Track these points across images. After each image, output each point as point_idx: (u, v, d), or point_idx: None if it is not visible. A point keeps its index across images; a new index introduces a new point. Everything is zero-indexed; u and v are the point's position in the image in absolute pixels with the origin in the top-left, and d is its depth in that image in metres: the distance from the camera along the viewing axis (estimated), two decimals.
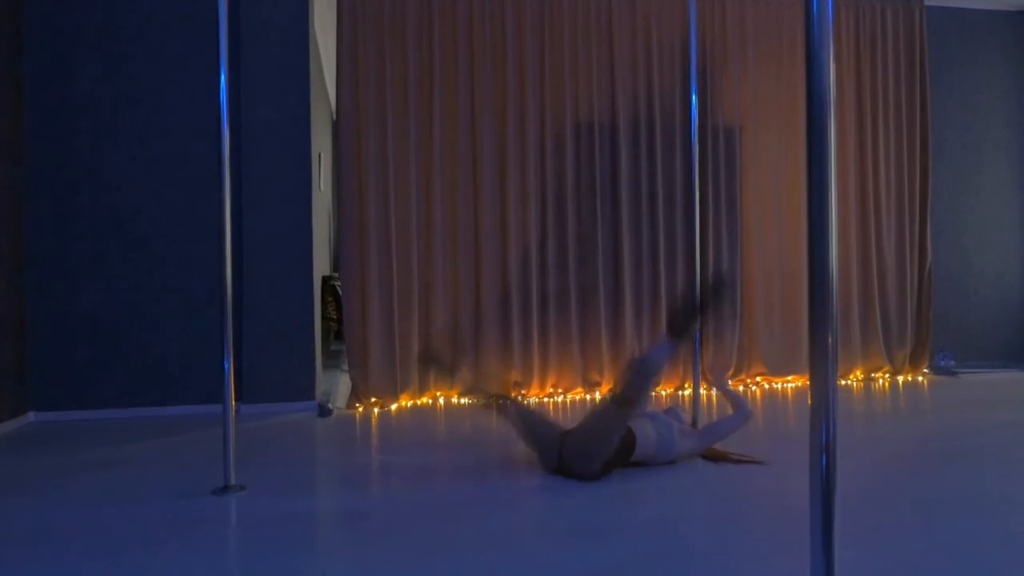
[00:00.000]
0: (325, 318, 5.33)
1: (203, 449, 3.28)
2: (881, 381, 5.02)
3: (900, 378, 5.09)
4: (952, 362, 5.30)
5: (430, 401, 4.41)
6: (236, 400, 4.06)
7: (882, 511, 2.34)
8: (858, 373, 5.08)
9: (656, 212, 4.71)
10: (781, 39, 4.95)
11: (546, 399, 4.49)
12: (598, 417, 2.71)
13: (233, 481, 2.63)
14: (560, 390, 4.56)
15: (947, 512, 2.33)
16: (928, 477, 2.74)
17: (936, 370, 5.22)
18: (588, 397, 4.52)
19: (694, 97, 3.34)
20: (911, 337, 5.18)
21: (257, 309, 4.17)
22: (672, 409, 3.13)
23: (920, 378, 5.09)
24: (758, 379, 4.89)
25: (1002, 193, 5.54)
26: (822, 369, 1.11)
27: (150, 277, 4.12)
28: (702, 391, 3.78)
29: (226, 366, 2.61)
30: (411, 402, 4.38)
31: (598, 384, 4.60)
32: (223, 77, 2.66)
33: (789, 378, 4.92)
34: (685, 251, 4.73)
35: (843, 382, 5.00)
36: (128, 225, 4.11)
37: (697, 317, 2.78)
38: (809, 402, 1.13)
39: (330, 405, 4.16)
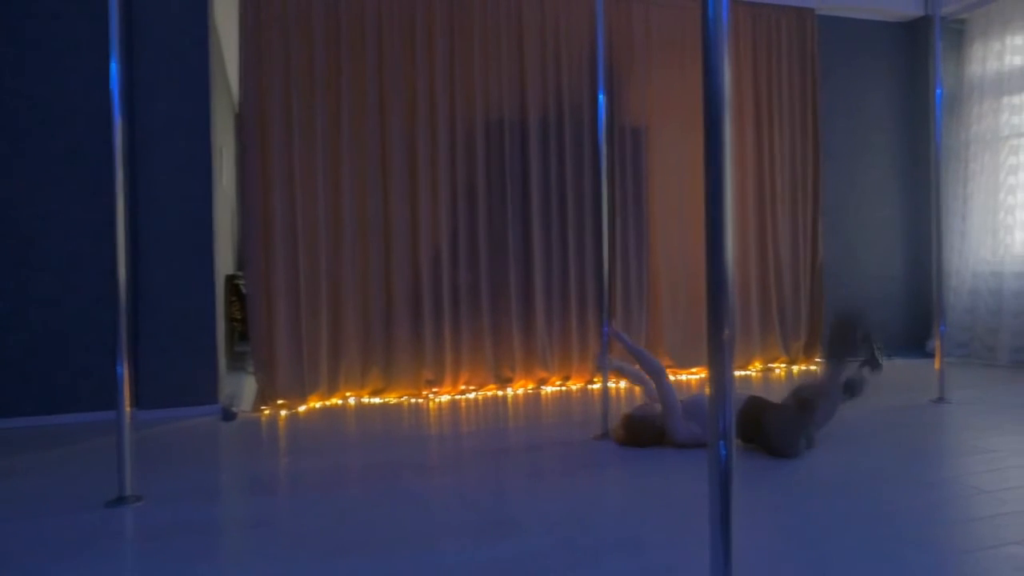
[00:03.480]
0: (229, 318, 5.15)
1: (96, 459, 3.11)
2: (778, 371, 5.27)
3: (795, 367, 5.36)
4: None
5: (340, 401, 4.34)
6: (132, 406, 3.88)
7: (778, 494, 2.46)
8: (757, 364, 5.31)
9: (565, 209, 4.79)
10: (684, 42, 5.11)
11: (458, 396, 4.49)
12: (782, 421, 2.96)
13: (129, 491, 2.51)
14: (472, 387, 4.57)
15: (839, 492, 2.47)
16: (821, 460, 2.89)
17: None
18: (500, 394, 4.55)
19: (601, 97, 3.40)
20: (805, 329, 5.46)
21: (155, 310, 3.99)
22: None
23: (813, 367, 5.36)
24: None
25: (884, 192, 5.90)
26: (719, 361, 1.15)
27: (37, 277, 3.88)
28: (610, 383, 3.86)
29: (119, 370, 2.49)
30: (320, 403, 4.29)
31: (510, 380, 4.63)
32: (114, 65, 2.53)
33: (694, 370, 5.10)
34: (594, 247, 4.82)
35: (744, 372, 5.22)
36: (13, 222, 3.84)
37: (849, 342, 3.13)
38: (708, 392, 1.17)
39: (234, 408, 4.03)
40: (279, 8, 4.20)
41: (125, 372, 2.50)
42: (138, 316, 3.96)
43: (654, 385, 3.18)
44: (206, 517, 2.37)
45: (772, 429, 2.96)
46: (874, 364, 3.49)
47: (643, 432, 3.11)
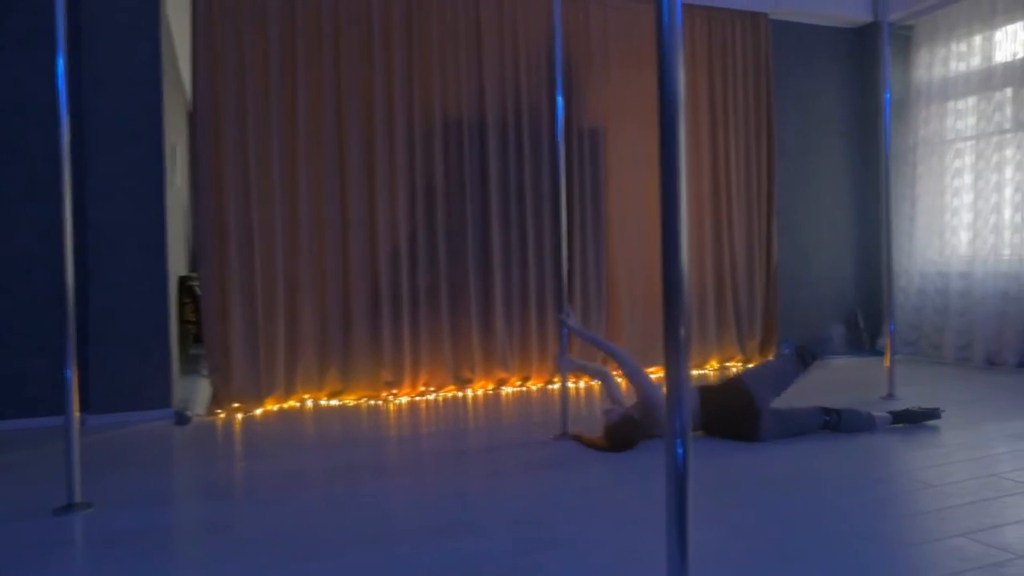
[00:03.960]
0: (183, 321, 5.04)
1: (44, 466, 3.02)
2: (734, 369, 5.35)
3: (751, 366, 5.43)
4: None
5: (298, 404, 4.28)
6: (81, 411, 3.78)
7: (729, 491, 2.50)
8: (714, 362, 5.39)
9: (524, 210, 4.79)
10: (641, 43, 5.16)
11: (418, 398, 4.46)
12: (802, 422, 3.26)
13: (78, 498, 2.45)
14: (432, 388, 4.55)
15: (789, 488, 2.52)
16: (770, 456, 2.94)
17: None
18: (459, 395, 4.54)
19: (559, 98, 3.41)
20: (760, 328, 5.56)
21: (106, 313, 3.88)
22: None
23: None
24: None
25: (835, 193, 6.04)
26: (675, 360, 1.16)
27: None
28: (570, 384, 3.88)
29: (68, 375, 2.42)
30: (277, 406, 4.23)
31: (469, 382, 4.62)
32: (61, 60, 2.46)
33: (651, 369, 5.14)
34: (552, 248, 4.84)
35: (700, 371, 5.29)
36: None
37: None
38: (664, 391, 1.19)
39: (188, 412, 3.95)
40: (233, 3, 4.12)
41: (74, 376, 2.44)
42: (88, 318, 3.85)
43: (623, 373, 3.29)
44: (159, 524, 2.32)
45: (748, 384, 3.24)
46: (856, 334, 3.61)
47: (629, 433, 3.10)
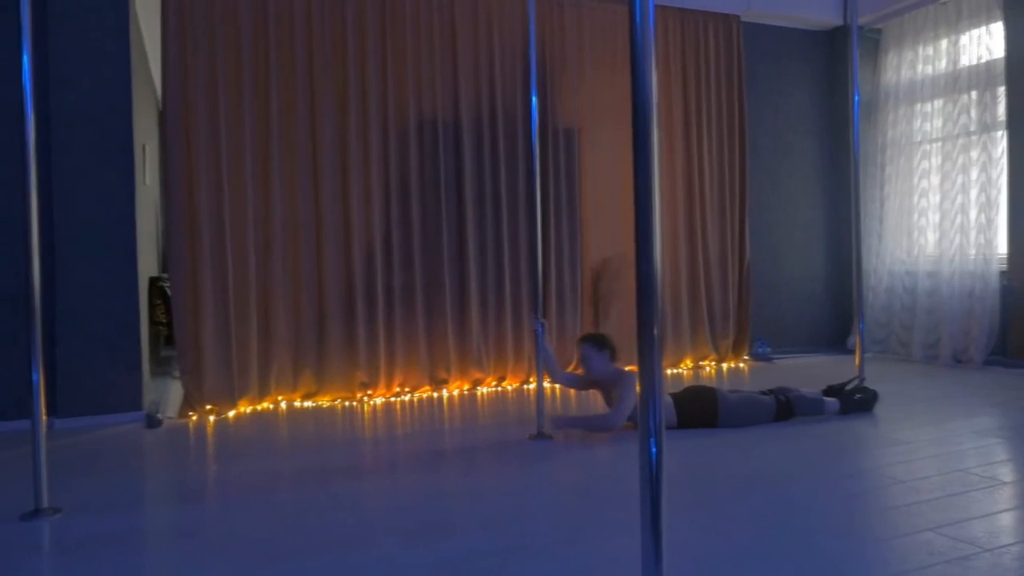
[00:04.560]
0: (154, 322, 4.97)
1: (10, 471, 2.96)
2: (708, 368, 5.40)
3: (725, 365, 5.50)
4: (768, 349, 5.79)
5: (272, 406, 4.24)
6: (49, 414, 3.71)
7: (701, 490, 2.52)
8: (688, 362, 5.43)
9: (499, 210, 4.79)
10: (615, 45, 5.19)
11: (393, 399, 4.44)
12: (755, 401, 3.47)
13: (46, 504, 2.40)
14: (407, 389, 4.53)
15: (761, 485, 2.54)
16: (743, 452, 2.98)
17: (755, 357, 5.68)
18: (435, 395, 4.52)
19: (534, 98, 3.42)
20: (733, 327, 5.61)
21: (74, 314, 3.81)
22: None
23: (742, 364, 5.52)
24: None
25: (806, 194, 6.12)
26: (649, 359, 1.17)
27: None
28: (545, 384, 3.88)
29: (35, 377, 2.37)
30: (251, 408, 4.18)
31: (445, 382, 4.61)
32: (26, 57, 2.41)
33: (626, 368, 5.16)
34: (528, 248, 4.85)
35: (676, 370, 5.33)
36: None
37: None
38: (638, 390, 1.20)
39: (160, 415, 3.89)
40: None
41: (40, 378, 2.39)
42: (55, 320, 3.78)
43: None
44: (129, 528, 2.29)
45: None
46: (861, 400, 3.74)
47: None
